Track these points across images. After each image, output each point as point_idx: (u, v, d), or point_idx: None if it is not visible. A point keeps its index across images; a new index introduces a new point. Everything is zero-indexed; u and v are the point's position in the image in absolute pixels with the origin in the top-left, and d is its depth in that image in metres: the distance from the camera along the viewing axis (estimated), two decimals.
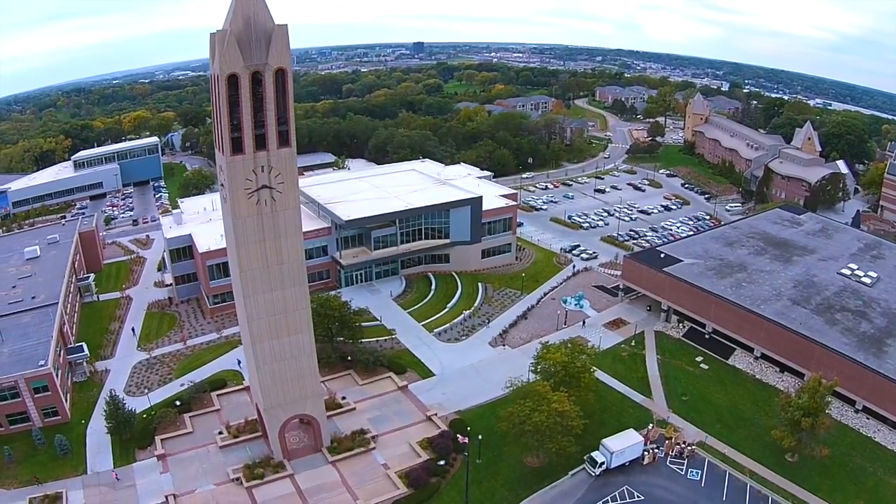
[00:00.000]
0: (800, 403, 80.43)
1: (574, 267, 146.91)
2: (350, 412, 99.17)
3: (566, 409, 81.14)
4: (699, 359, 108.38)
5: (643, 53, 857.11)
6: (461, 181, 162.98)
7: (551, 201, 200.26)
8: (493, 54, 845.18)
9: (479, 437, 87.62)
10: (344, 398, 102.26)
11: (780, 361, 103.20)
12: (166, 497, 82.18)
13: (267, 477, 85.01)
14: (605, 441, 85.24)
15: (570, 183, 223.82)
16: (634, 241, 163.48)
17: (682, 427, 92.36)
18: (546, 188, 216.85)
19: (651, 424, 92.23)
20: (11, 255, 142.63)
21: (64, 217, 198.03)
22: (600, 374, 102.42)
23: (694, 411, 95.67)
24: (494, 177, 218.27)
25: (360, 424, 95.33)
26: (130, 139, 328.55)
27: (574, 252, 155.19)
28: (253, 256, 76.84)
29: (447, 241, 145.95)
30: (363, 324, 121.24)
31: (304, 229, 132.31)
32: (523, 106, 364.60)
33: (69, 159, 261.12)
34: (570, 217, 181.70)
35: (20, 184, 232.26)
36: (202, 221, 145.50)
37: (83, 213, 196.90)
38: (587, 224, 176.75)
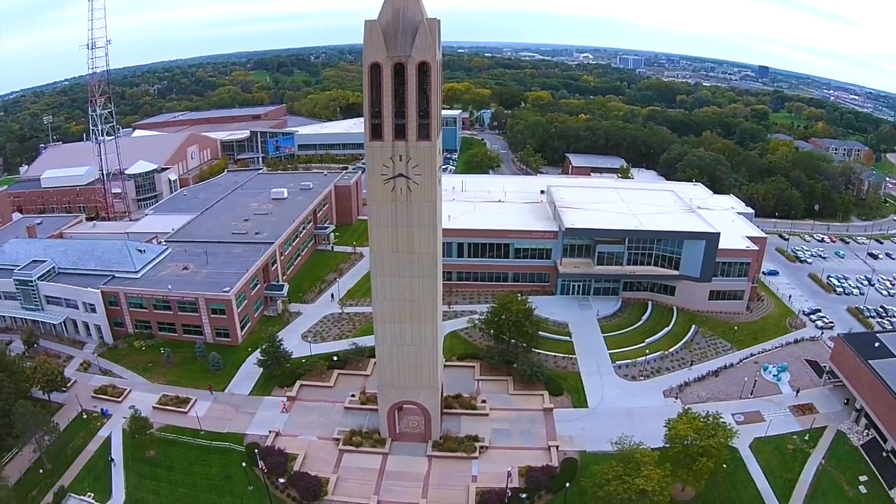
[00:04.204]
0: None
1: (822, 333, 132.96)
2: (480, 417, 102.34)
3: (650, 488, 76.34)
4: (863, 478, 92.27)
5: None
6: (714, 213, 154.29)
7: (819, 255, 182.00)
8: (830, 92, 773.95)
9: (567, 483, 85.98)
10: (484, 401, 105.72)
11: None
12: (269, 432, 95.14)
13: (362, 447, 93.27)
14: None
15: (848, 240, 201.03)
16: (879, 320, 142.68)
17: None
18: (822, 240, 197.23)
19: None
20: (262, 192, 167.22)
21: (346, 168, 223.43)
22: (752, 463, 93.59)
23: None
24: (778, 217, 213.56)
25: (481, 431, 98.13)
26: (443, 108, 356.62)
27: (812, 317, 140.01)
28: (383, 240, 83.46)
29: (675, 272, 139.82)
30: (551, 336, 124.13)
31: (530, 228, 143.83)
32: (836, 150, 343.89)
33: None
34: (828, 277, 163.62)
35: (311, 129, 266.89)
36: (442, 199, 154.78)
37: (363, 168, 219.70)
38: (841, 289, 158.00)
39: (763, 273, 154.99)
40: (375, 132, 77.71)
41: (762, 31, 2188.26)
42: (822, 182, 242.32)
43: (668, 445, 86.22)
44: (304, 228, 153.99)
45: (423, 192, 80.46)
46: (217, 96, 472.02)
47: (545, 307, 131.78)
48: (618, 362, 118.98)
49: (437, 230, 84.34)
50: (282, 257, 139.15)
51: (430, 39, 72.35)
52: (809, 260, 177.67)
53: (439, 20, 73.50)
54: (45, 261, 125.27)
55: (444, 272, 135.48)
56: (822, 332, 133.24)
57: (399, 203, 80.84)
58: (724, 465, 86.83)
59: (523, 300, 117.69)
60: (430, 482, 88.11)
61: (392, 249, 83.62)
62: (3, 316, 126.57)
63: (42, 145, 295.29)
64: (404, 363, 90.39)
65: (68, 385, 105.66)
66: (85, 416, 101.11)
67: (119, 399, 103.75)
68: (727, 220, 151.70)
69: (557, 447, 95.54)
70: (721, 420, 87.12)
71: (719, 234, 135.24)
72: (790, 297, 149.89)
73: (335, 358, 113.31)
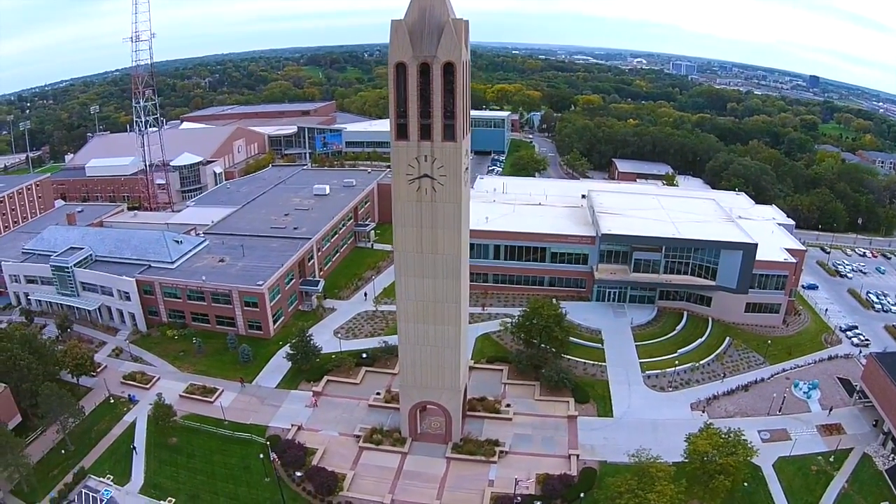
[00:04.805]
0: None
1: (858, 350, 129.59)
2: (503, 421, 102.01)
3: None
4: None
5: None
6: (753, 223, 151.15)
7: (860, 271, 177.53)
8: (878, 103, 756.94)
9: (582, 494, 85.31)
10: (508, 405, 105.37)
11: None
12: (292, 425, 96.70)
13: (382, 445, 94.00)
14: None
15: (890, 256, 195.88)
16: None
17: None
18: (864, 255, 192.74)
19: None
20: (304, 187, 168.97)
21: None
22: (773, 483, 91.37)
23: None
24: (821, 230, 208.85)
25: (503, 436, 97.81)
26: (493, 109, 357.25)
27: (848, 333, 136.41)
28: (408, 239, 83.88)
29: (711, 282, 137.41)
30: (583, 342, 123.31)
31: (567, 232, 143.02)
32: (882, 163, 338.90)
33: None
34: (867, 293, 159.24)
35: (359, 126, 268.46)
36: (482, 200, 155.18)
37: None
38: (879, 306, 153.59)
39: (802, 286, 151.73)
40: (401, 132, 78.37)
41: (809, 39, 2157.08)
42: (867, 195, 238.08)
43: (686, 460, 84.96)
44: (343, 225, 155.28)
45: (449, 193, 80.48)
46: (268, 91, 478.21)
47: (580, 313, 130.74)
48: (648, 372, 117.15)
49: (463, 231, 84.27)
50: (319, 253, 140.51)
51: (456, 40, 72.38)
52: (850, 275, 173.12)
53: (467, 21, 73.59)
54: (82, 248, 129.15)
55: (479, 274, 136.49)
56: (858, 350, 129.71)
57: (424, 203, 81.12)
58: (745, 484, 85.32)
59: (555, 305, 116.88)
60: (446, 484, 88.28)
61: (416, 249, 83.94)
62: (40, 300, 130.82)
63: (89, 134, 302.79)
64: (427, 363, 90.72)
65: (98, 370, 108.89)
66: (112, 401, 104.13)
67: (147, 386, 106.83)
68: (766, 231, 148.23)
69: (578, 456, 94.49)
70: (742, 437, 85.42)
71: (756, 244, 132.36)
72: (827, 311, 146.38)
73: (364, 355, 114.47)
